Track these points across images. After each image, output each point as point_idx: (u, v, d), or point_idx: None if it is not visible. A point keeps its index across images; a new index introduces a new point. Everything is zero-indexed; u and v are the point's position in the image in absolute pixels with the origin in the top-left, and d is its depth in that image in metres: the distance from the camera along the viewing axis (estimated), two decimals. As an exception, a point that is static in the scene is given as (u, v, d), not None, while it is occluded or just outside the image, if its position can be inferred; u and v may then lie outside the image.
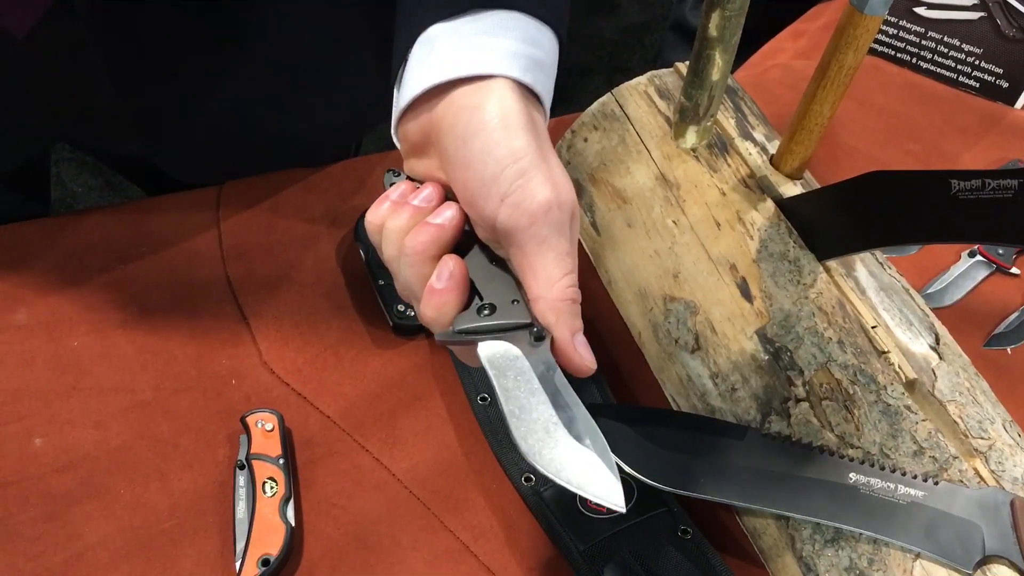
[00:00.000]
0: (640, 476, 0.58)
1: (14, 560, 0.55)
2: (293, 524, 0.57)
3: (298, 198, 0.75)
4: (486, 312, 0.48)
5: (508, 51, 0.47)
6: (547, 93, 0.50)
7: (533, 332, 0.47)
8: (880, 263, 0.65)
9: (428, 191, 0.49)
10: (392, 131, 0.52)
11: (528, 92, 0.48)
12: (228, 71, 0.67)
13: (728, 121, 0.70)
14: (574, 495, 0.58)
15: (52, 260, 0.68)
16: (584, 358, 0.47)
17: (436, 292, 0.47)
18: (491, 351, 0.47)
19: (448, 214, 0.48)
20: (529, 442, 0.44)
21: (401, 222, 0.48)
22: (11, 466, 0.58)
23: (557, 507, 0.59)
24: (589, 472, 0.44)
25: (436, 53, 0.48)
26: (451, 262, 0.47)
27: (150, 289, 0.68)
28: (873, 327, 0.59)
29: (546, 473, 0.44)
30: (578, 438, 0.45)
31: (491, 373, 0.46)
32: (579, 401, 0.46)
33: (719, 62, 0.63)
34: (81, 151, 0.77)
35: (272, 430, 0.60)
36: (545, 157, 0.46)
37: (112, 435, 0.60)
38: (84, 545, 0.56)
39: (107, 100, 0.65)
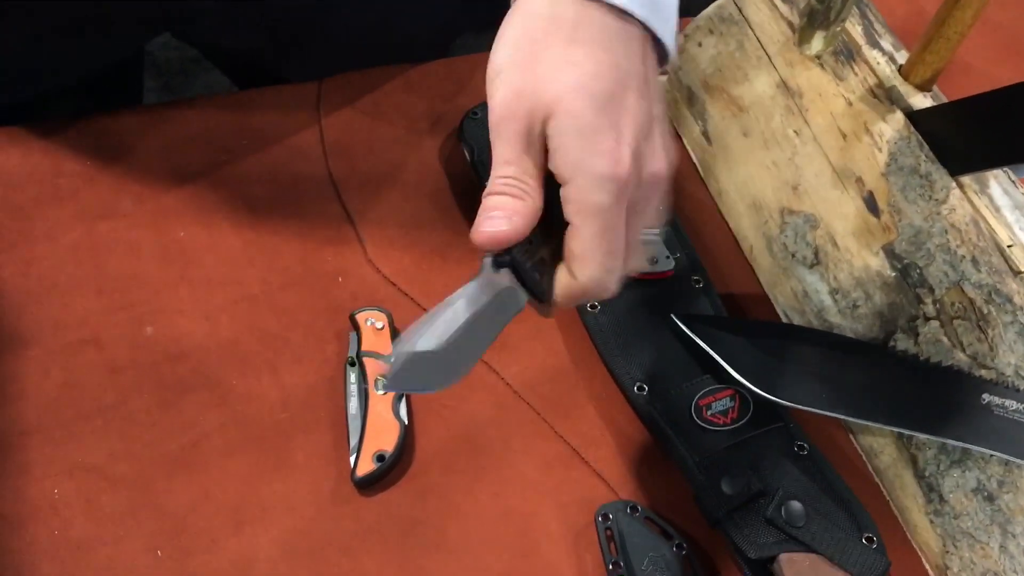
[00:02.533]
0: (758, 390, 0.57)
1: (132, 446, 0.55)
2: (407, 422, 0.56)
3: (399, 96, 0.73)
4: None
5: None
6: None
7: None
8: (1012, 181, 0.62)
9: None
10: None
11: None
12: None
13: (855, 28, 0.67)
14: (689, 405, 0.58)
15: (154, 149, 0.67)
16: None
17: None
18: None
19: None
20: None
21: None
22: (124, 352, 0.58)
23: (670, 418, 0.58)
24: None
25: None
26: None
27: (253, 183, 0.67)
28: (1009, 246, 0.57)
29: None
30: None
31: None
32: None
33: (860, -39, 0.60)
34: (187, 42, 0.75)
35: (383, 328, 0.59)
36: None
37: (222, 327, 0.60)
38: (199, 433, 0.56)
39: None
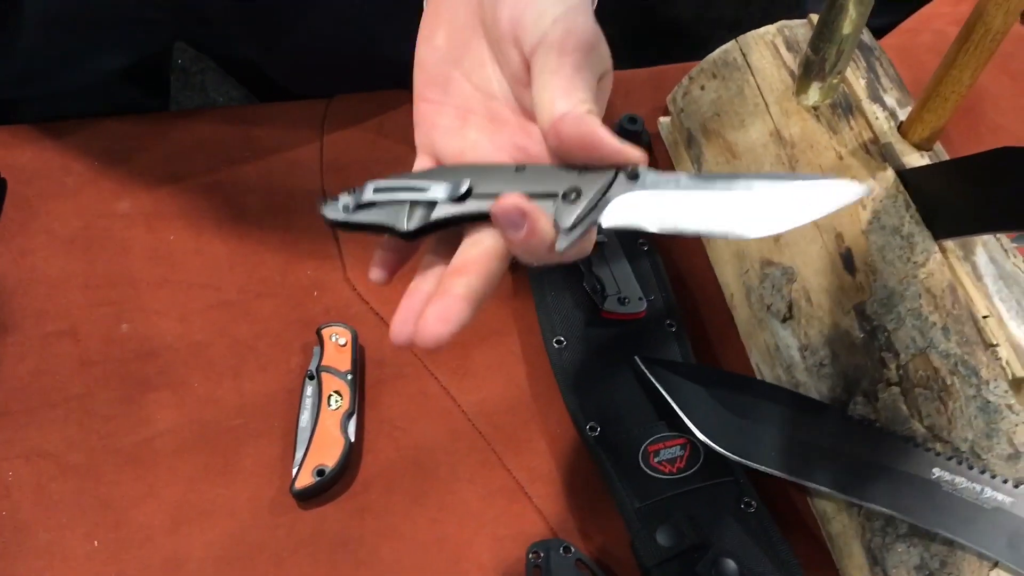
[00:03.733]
0: (708, 441, 0.56)
1: (87, 437, 0.57)
2: (352, 440, 0.57)
3: (403, 118, 0.73)
4: (574, 196, 0.39)
5: None
6: None
7: (626, 173, 0.39)
8: (1005, 250, 0.60)
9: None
10: None
11: None
12: None
13: (858, 81, 0.65)
14: (638, 450, 0.57)
15: (160, 154, 0.70)
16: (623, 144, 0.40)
17: (522, 242, 0.39)
18: (614, 217, 0.39)
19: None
20: (745, 221, 0.37)
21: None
22: (97, 346, 0.60)
23: (618, 461, 0.57)
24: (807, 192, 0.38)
25: None
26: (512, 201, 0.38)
27: (248, 193, 0.69)
28: (985, 317, 0.55)
29: (786, 227, 0.37)
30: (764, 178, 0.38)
31: (643, 227, 0.39)
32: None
33: (852, 14, 0.58)
34: (202, 52, 0.78)
35: (345, 345, 0.60)
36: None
37: (194, 330, 0.62)
38: (154, 431, 0.58)
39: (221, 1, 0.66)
